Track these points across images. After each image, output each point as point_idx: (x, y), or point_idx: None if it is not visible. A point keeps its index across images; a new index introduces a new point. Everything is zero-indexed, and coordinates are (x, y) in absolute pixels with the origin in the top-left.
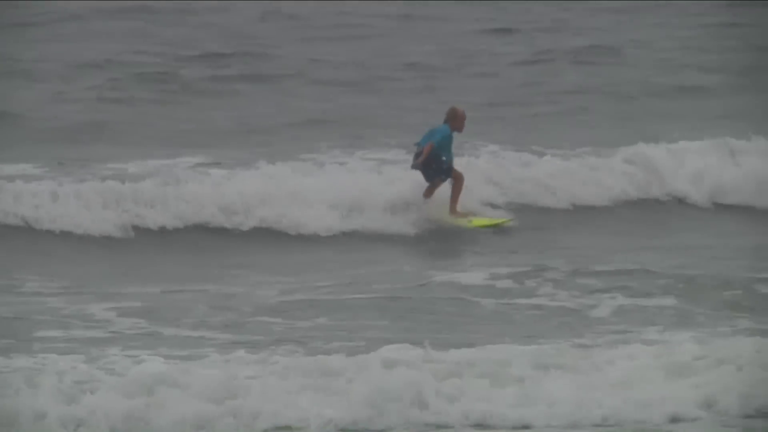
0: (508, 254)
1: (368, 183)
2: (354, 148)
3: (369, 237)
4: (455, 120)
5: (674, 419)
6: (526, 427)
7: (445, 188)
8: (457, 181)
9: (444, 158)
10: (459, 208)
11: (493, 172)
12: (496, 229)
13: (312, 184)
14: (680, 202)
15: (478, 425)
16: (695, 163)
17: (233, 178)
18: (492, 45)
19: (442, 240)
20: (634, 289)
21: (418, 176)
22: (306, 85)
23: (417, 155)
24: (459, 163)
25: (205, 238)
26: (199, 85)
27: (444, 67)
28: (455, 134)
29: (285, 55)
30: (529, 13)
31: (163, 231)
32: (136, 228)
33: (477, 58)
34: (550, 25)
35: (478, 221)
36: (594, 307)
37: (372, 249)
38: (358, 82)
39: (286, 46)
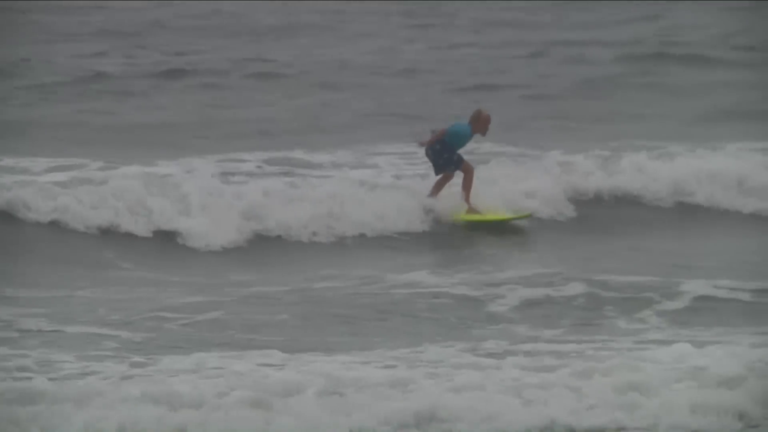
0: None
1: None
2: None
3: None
4: (478, 122)
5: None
6: None
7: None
8: (467, 173)
9: (457, 150)
10: (472, 203)
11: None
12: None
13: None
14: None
15: None
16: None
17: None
18: None
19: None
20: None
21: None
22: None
23: (436, 145)
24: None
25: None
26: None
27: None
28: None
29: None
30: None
31: None
32: None
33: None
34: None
35: (494, 216)
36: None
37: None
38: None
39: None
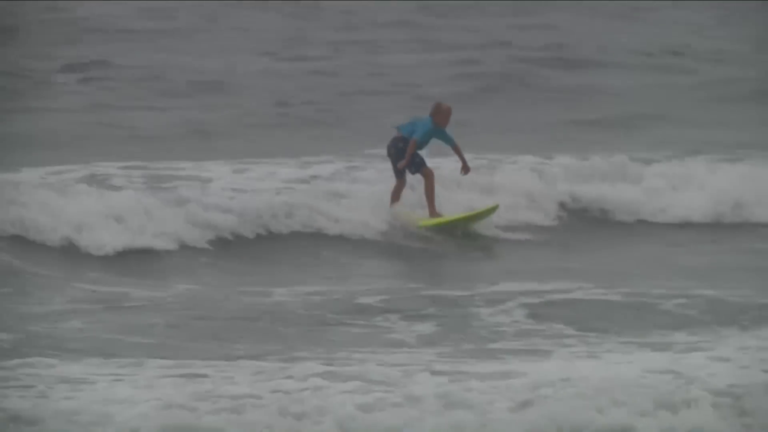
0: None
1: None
2: None
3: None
4: (439, 114)
5: None
6: None
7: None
8: (428, 179)
9: (420, 152)
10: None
11: None
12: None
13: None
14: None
15: None
16: None
17: None
18: None
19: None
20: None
21: None
22: None
23: (399, 143)
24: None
25: None
26: None
27: None
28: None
29: None
30: None
31: None
32: None
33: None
34: None
35: (457, 216)
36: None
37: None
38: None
39: None
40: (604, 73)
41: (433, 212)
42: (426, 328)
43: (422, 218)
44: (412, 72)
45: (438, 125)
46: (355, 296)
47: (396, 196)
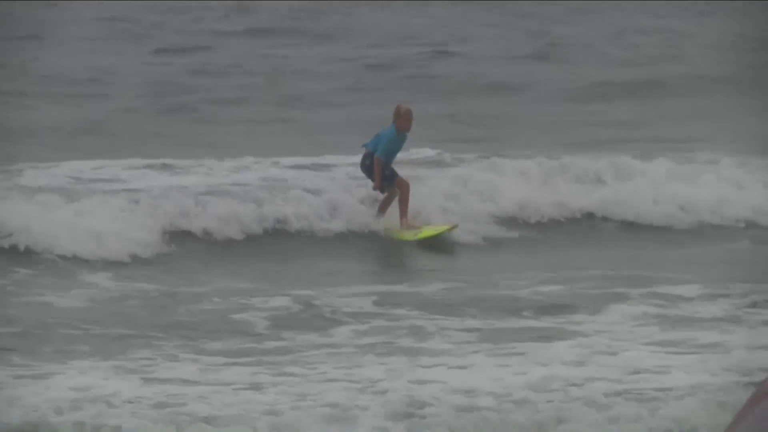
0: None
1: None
2: None
3: None
4: (399, 119)
5: None
6: None
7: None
8: (403, 189)
9: (393, 158)
10: (409, 219)
11: None
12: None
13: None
14: None
15: None
16: None
17: None
18: None
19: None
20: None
21: None
22: None
23: (365, 160)
24: None
25: None
26: None
27: None
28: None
29: None
30: None
31: None
32: None
33: None
34: None
35: (426, 232)
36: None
37: None
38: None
39: None
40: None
41: (404, 223)
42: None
43: (395, 229)
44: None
45: (402, 131)
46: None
47: (384, 206)
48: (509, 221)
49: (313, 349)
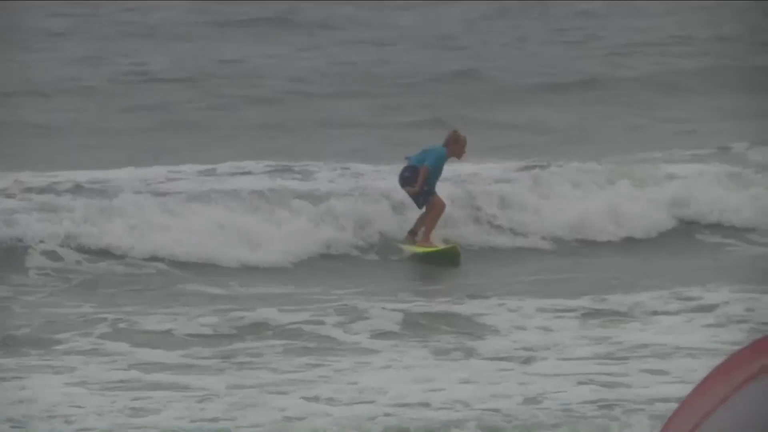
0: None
1: None
2: None
3: None
4: (456, 144)
5: None
6: None
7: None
8: (437, 208)
9: (431, 181)
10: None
11: None
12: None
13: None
14: None
15: None
16: None
17: None
18: None
19: None
20: None
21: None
22: None
23: (405, 172)
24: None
25: None
26: None
27: None
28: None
29: None
30: None
31: None
32: None
33: None
34: None
35: (428, 248)
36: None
37: None
38: None
39: None
40: None
41: (427, 239)
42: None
43: (412, 244)
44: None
45: (452, 155)
46: None
47: (420, 224)
48: None
49: None
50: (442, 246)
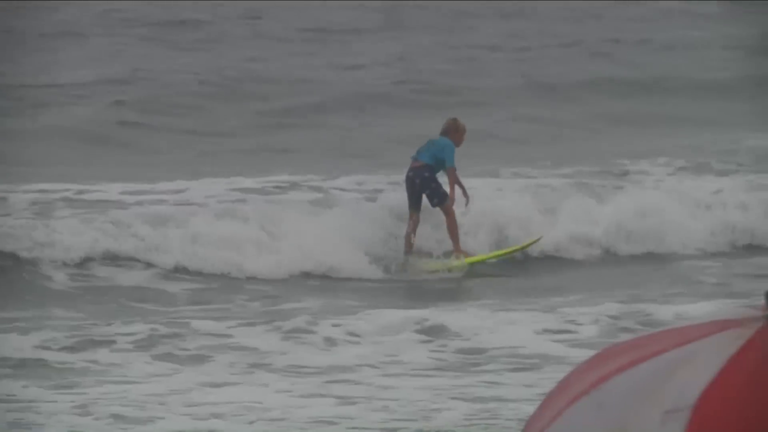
0: None
1: None
2: None
3: None
4: (456, 133)
5: None
6: None
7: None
8: (451, 215)
9: (437, 175)
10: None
11: None
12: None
13: None
14: None
15: None
16: None
17: None
18: None
19: None
20: None
21: None
22: None
23: (424, 172)
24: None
25: None
26: None
27: None
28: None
29: None
30: None
31: None
32: None
33: None
34: None
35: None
36: None
37: None
38: None
39: None
40: None
41: (459, 249)
42: None
43: (460, 258)
44: None
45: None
46: None
47: (409, 242)
48: None
49: None
50: (527, 240)
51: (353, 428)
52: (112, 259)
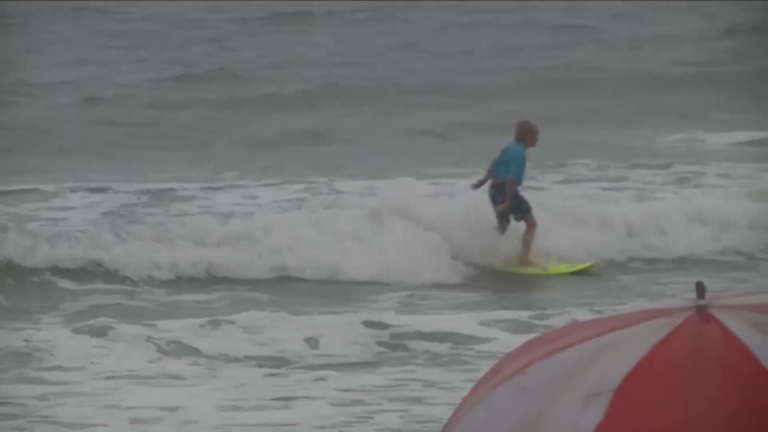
0: None
1: None
2: None
3: None
4: (530, 136)
5: None
6: None
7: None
8: (532, 228)
9: (522, 192)
10: (531, 256)
11: None
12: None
13: None
14: None
15: None
16: None
17: None
18: None
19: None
20: None
21: None
22: None
23: (492, 190)
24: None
25: None
26: None
27: None
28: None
29: None
30: None
31: None
32: None
33: None
34: None
35: (555, 269)
36: None
37: None
38: None
39: None
40: None
41: (525, 261)
42: None
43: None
44: None
45: (528, 146)
46: None
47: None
48: None
49: None
50: (580, 264)
51: None
52: None
